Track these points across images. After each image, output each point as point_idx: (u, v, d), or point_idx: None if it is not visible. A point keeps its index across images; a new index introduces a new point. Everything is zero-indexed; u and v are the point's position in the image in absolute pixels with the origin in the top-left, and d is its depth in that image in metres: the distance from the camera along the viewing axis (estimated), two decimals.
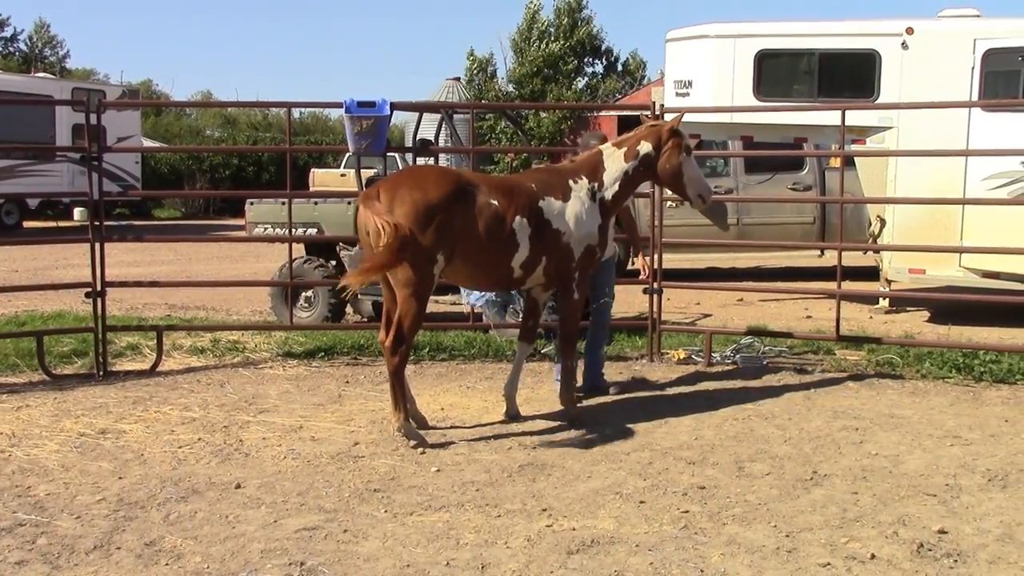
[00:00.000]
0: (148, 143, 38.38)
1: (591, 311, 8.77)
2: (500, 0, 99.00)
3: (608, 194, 7.74)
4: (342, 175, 31.18)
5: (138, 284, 11.90)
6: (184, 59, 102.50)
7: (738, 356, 10.10)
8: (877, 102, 12.66)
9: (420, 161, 12.63)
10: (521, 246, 7.31)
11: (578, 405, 7.97)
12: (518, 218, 7.28)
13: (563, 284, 7.68)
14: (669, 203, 11.41)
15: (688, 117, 12.32)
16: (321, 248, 12.12)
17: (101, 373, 9.43)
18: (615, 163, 7.79)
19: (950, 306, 13.16)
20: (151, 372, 9.54)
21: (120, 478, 6.36)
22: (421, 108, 13.24)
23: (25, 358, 9.63)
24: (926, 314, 13.37)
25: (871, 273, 14.40)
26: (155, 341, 9.88)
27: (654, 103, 10.47)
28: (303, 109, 52.90)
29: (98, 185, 9.64)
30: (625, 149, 7.82)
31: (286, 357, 10.12)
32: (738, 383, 9.25)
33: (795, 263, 17.91)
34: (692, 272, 17.13)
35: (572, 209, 7.53)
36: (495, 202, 7.21)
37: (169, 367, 9.74)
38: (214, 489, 6.14)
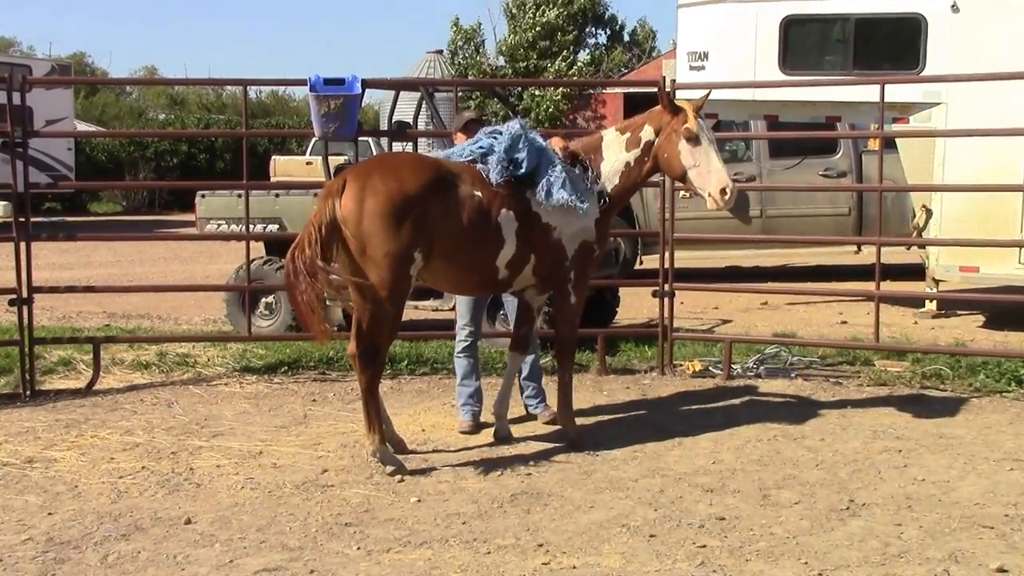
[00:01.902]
0: (82, 127, 38.36)
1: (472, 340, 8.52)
2: None
3: (607, 186, 7.73)
4: (308, 163, 31.27)
5: (71, 290, 11.89)
6: (123, 30, 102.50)
7: (762, 368, 10.11)
8: (922, 74, 12.67)
9: (396, 146, 12.64)
10: (507, 242, 7.33)
11: (579, 425, 7.97)
12: (504, 211, 7.30)
13: (557, 286, 7.69)
14: (682, 193, 11.42)
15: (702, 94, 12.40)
16: (284, 247, 12.06)
17: (28, 393, 9.41)
18: (615, 151, 7.75)
19: (1009, 309, 13.18)
20: (87, 391, 9.52)
21: (50, 514, 6.34)
22: (398, 85, 13.25)
23: None
24: (980, 318, 13.41)
25: (916, 272, 14.43)
26: (91, 355, 9.86)
27: (664, 78, 10.47)
28: (262, 87, 53.02)
29: (23, 175, 9.62)
30: (628, 136, 7.76)
31: (243, 372, 10.12)
32: (762, 399, 9.27)
33: (828, 261, 17.93)
34: (709, 272, 17.14)
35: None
36: (479, 193, 7.23)
37: (108, 385, 9.73)
38: (160, 525, 6.13)
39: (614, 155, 7.74)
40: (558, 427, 7.94)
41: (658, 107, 7.80)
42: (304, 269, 6.97)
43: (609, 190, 7.72)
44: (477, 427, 8.15)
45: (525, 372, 8.40)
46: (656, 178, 9.88)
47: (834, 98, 12.85)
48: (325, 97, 9.78)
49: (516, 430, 8.05)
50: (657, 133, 7.64)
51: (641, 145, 7.69)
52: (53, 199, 34.20)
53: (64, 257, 20.28)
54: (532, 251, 7.45)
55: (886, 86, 10.11)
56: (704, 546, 5.76)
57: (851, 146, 16.59)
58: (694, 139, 7.46)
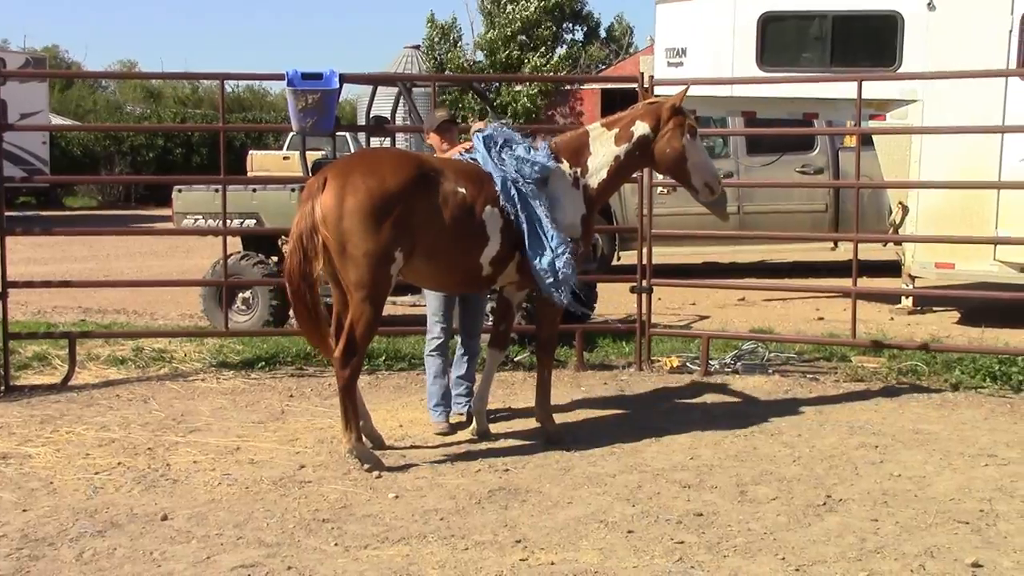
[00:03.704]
0: (57, 120, 38.08)
1: (465, 345, 8.40)
2: None
3: (593, 181, 7.77)
4: (285, 158, 31.19)
5: (46, 284, 11.84)
6: (99, 22, 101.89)
7: (739, 364, 10.13)
8: (899, 71, 12.72)
9: (375, 142, 12.61)
10: (491, 239, 7.33)
11: (556, 421, 7.98)
12: (488, 207, 7.31)
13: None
14: (660, 189, 11.43)
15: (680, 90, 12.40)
16: (261, 242, 12.07)
17: (2, 388, 9.36)
18: (604, 146, 7.80)
19: (983, 305, 13.25)
20: (62, 386, 9.48)
21: (24, 510, 6.31)
22: (375, 80, 13.21)
23: None
24: (956, 315, 13.46)
25: (892, 268, 14.49)
26: (67, 350, 9.82)
27: (642, 74, 10.49)
28: (239, 82, 52.86)
29: None
30: (617, 131, 7.83)
31: (220, 368, 10.10)
32: (739, 395, 9.30)
33: (805, 257, 17.98)
34: (687, 268, 17.18)
35: (550, 197, 7.53)
36: (462, 190, 7.23)
37: (83, 380, 9.69)
38: (136, 522, 6.11)
39: (603, 149, 7.79)
40: (537, 424, 7.94)
41: (642, 104, 8.02)
42: (293, 282, 7.06)
43: (595, 184, 7.77)
44: (452, 427, 8.12)
45: (462, 371, 8.36)
46: (634, 174, 9.92)
47: (811, 95, 12.89)
48: (302, 92, 9.76)
49: (494, 427, 8.05)
50: (654, 129, 7.77)
51: (633, 140, 7.79)
52: (28, 193, 34.00)
53: (39, 252, 20.12)
54: (517, 248, 7.46)
55: (863, 83, 10.15)
56: (682, 542, 5.77)
57: (828, 143, 16.64)
58: (694, 133, 7.80)
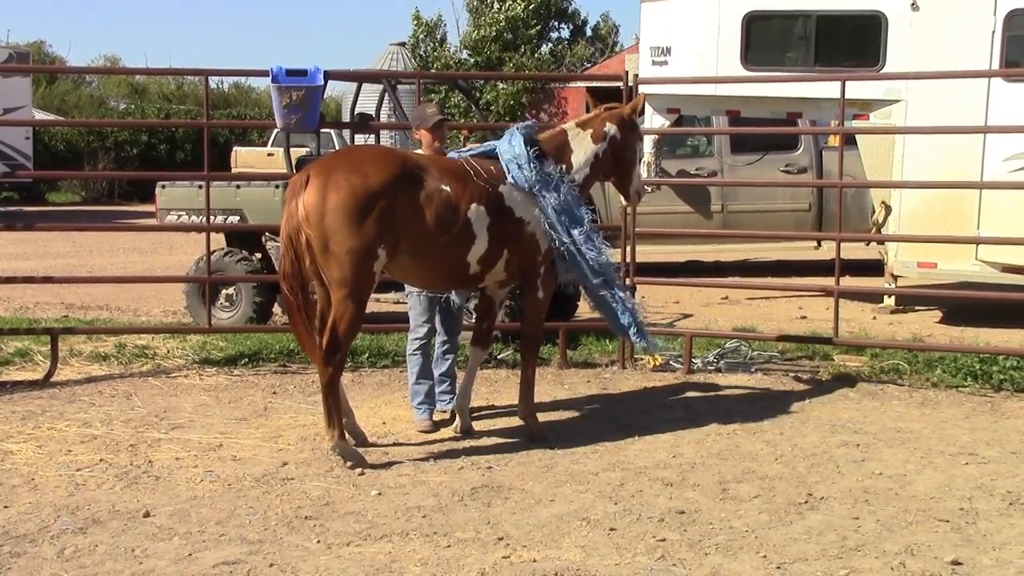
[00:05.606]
0: (41, 115, 37.97)
1: (447, 345, 8.34)
2: None
3: (578, 177, 7.86)
4: (269, 155, 31.14)
5: (29, 280, 11.82)
6: (83, 17, 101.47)
7: (722, 362, 10.16)
8: (882, 72, 12.74)
9: (359, 139, 12.59)
10: (478, 238, 7.34)
11: (539, 419, 7.98)
12: (474, 206, 7.31)
13: (527, 280, 7.73)
14: (645, 188, 11.44)
15: (667, 89, 12.44)
16: (244, 239, 12.03)
17: None
18: (584, 144, 7.93)
19: (965, 305, 13.30)
20: (44, 382, 9.44)
21: (5, 507, 6.29)
22: (360, 77, 13.18)
23: None
24: (938, 314, 13.51)
25: (875, 267, 14.53)
26: (49, 346, 9.78)
27: (627, 72, 10.50)
28: (223, 78, 52.76)
29: None
30: (592, 131, 7.98)
31: (203, 364, 10.07)
32: (722, 393, 9.32)
33: (788, 256, 18.02)
34: (670, 266, 17.18)
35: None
36: (447, 187, 7.22)
37: (66, 376, 9.65)
38: (118, 518, 6.10)
39: (583, 146, 7.92)
40: (520, 421, 7.94)
41: (603, 108, 8.15)
42: (288, 283, 7.07)
43: (580, 180, 7.88)
44: (435, 425, 8.12)
45: (444, 368, 8.34)
46: None
47: (795, 94, 12.91)
48: (287, 88, 9.74)
49: (477, 424, 8.06)
50: (620, 130, 8.00)
51: (607, 139, 7.97)
52: (10, 188, 33.86)
53: (22, 247, 20.11)
54: (505, 246, 7.49)
55: (847, 83, 10.17)
56: (664, 540, 5.78)
57: (812, 142, 16.67)
58: (642, 142, 8.37)
